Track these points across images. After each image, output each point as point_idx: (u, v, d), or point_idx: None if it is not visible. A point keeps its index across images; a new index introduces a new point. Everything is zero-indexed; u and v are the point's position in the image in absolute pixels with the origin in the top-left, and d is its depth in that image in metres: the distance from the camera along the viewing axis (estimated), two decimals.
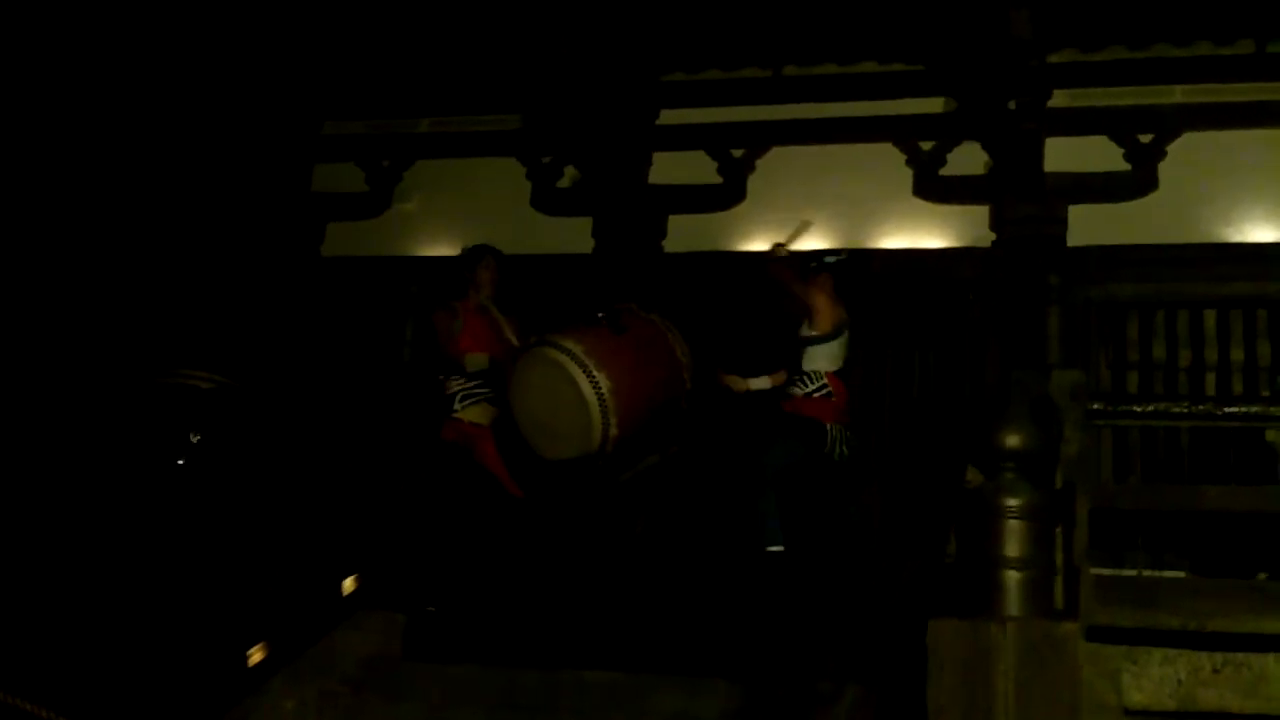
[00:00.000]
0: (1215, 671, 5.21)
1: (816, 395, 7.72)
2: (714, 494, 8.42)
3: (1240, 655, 5.24)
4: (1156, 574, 6.79)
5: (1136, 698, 5.18)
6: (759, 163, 9.91)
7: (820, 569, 6.98)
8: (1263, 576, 6.74)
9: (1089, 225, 9.24)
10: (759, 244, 9.66)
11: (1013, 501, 3.57)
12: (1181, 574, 7.29)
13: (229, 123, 9.85)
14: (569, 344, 7.09)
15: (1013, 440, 3.64)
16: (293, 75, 9.96)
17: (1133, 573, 6.50)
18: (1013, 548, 3.52)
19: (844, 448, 7.67)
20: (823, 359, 7.77)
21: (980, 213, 9.45)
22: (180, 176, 9.78)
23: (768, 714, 5.50)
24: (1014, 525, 3.53)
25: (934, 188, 9.61)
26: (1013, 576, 3.49)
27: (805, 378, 7.76)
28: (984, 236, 9.42)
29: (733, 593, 6.92)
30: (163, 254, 9.62)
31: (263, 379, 8.60)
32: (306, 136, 10.48)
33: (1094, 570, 5.59)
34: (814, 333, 7.77)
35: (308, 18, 9.37)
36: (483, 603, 6.95)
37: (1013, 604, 3.45)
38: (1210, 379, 8.70)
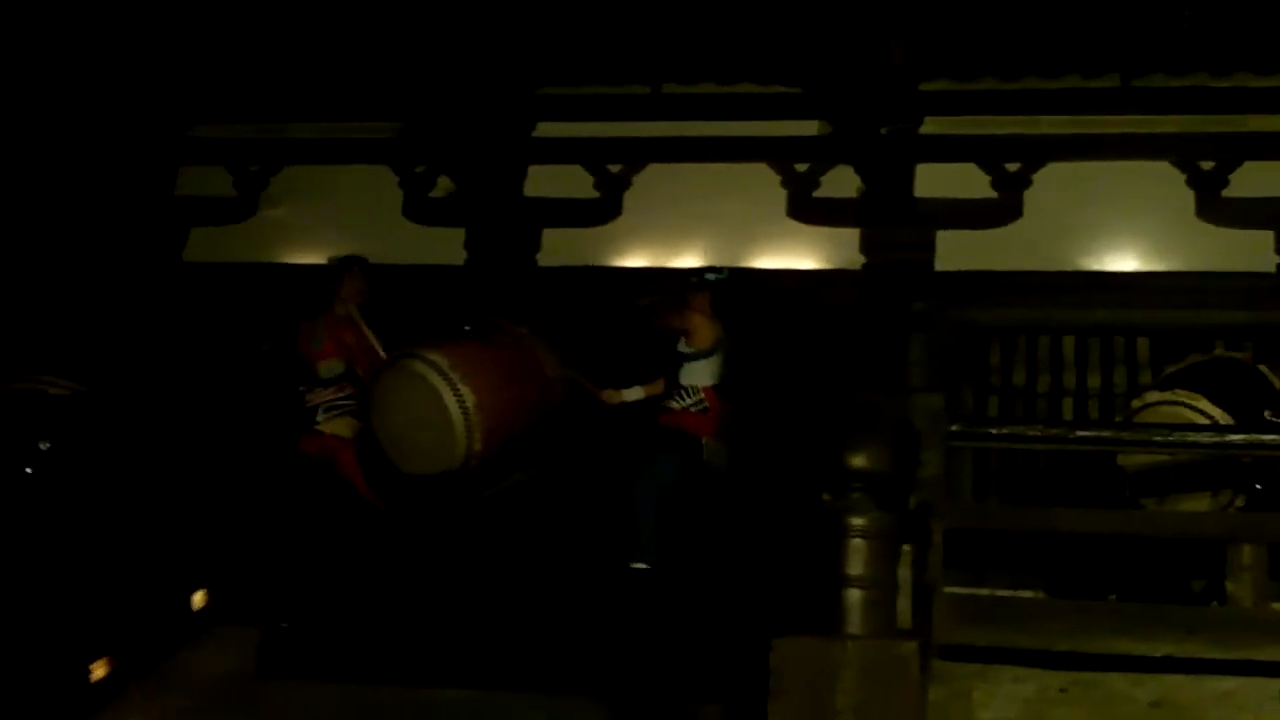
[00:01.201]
0: (1063, 691, 5.30)
1: (693, 410, 7.74)
2: (584, 508, 8.37)
3: (1088, 675, 5.34)
4: (1013, 594, 6.87)
5: (985, 716, 5.25)
6: (636, 179, 9.92)
7: (686, 585, 6.96)
8: (1113, 598, 6.88)
9: (956, 250, 9.39)
10: (634, 260, 9.72)
11: (858, 521, 3.58)
12: (1037, 594, 7.39)
13: (88, 122, 9.61)
14: (434, 356, 7.02)
15: (859, 460, 3.66)
16: (157, 75, 9.75)
17: (990, 593, 6.55)
18: (856, 566, 3.53)
19: (720, 462, 7.69)
20: (700, 374, 7.80)
21: (852, 235, 9.56)
22: (35, 176, 9.51)
23: None
24: (858, 544, 3.55)
25: (808, 209, 9.69)
26: (855, 595, 3.50)
27: (682, 392, 7.77)
28: (855, 259, 9.52)
29: (599, 609, 6.87)
30: (16, 255, 9.34)
31: (118, 386, 8.38)
32: (171, 138, 10.27)
33: (950, 590, 5.69)
34: (691, 349, 7.78)
35: (174, 16, 9.19)
36: (341, 619, 6.82)
37: (855, 623, 3.46)
38: (1068, 404, 8.90)
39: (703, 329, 7.78)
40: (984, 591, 6.47)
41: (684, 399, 7.75)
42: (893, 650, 3.38)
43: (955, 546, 5.92)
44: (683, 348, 7.82)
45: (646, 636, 6.21)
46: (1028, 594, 7.04)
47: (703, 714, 5.15)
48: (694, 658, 5.79)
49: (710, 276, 8.05)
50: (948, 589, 5.69)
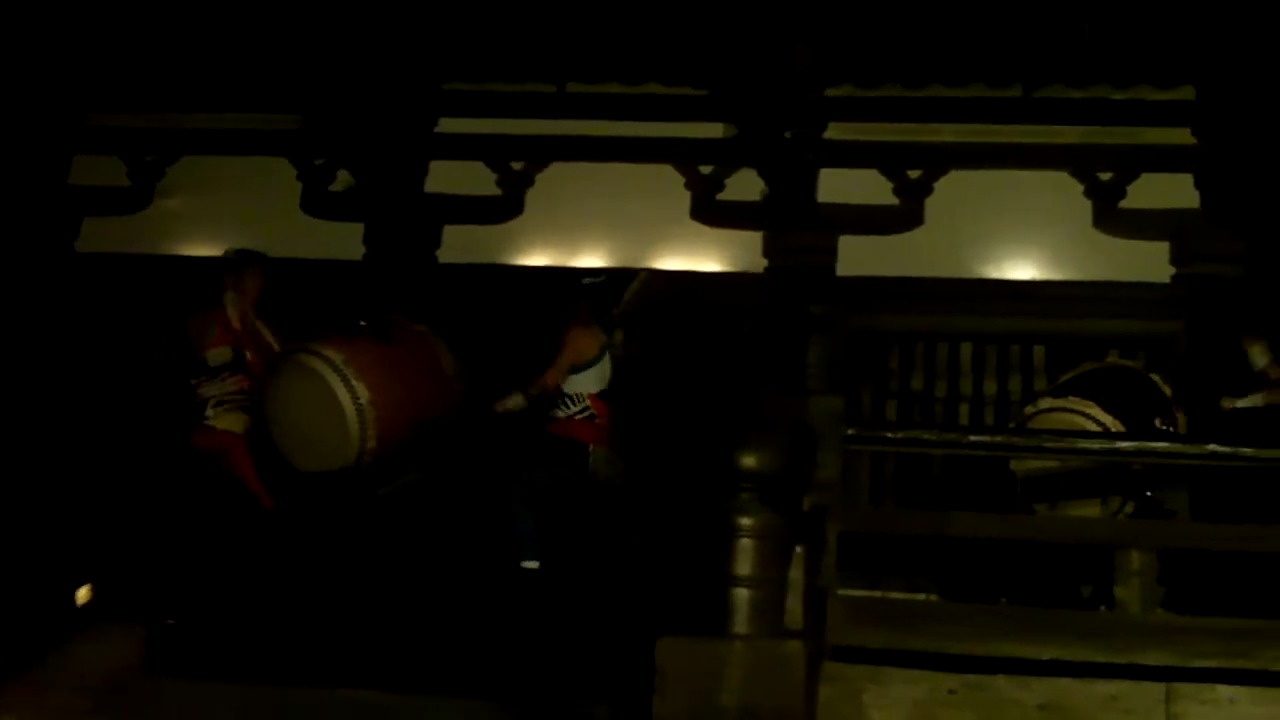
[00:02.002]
0: (952, 693, 5.34)
1: (578, 417, 7.69)
2: (479, 509, 8.29)
3: (978, 677, 5.39)
4: (907, 597, 6.91)
5: (876, 717, 5.28)
6: (539, 177, 9.83)
7: (579, 589, 6.92)
8: (1004, 602, 6.94)
9: (858, 256, 9.41)
10: (536, 259, 9.65)
11: (746, 521, 3.56)
12: (931, 598, 7.44)
13: None
14: (328, 352, 6.92)
15: (749, 461, 3.64)
16: (52, 63, 9.52)
17: (883, 595, 6.59)
18: (744, 567, 3.51)
19: (611, 471, 7.64)
20: (584, 382, 7.74)
21: (755, 238, 9.54)
22: None
23: None
24: (746, 544, 3.52)
25: (711, 212, 9.67)
26: (743, 595, 3.48)
27: (568, 400, 7.72)
28: (758, 262, 9.51)
29: (492, 611, 6.81)
30: None
31: (7, 378, 8.18)
32: (65, 126, 10.03)
33: (844, 592, 5.70)
34: (575, 361, 7.73)
35: (70, 3, 8.99)
36: (230, 617, 6.69)
37: (742, 622, 3.43)
38: (965, 410, 8.99)
39: (583, 341, 7.74)
40: (879, 594, 6.50)
41: (569, 407, 7.70)
42: (778, 650, 3.36)
43: (851, 549, 5.94)
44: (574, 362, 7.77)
45: (539, 638, 6.16)
46: (921, 597, 7.07)
47: (593, 714, 5.10)
48: (586, 659, 5.75)
49: (587, 281, 7.99)
50: (842, 591, 5.71)
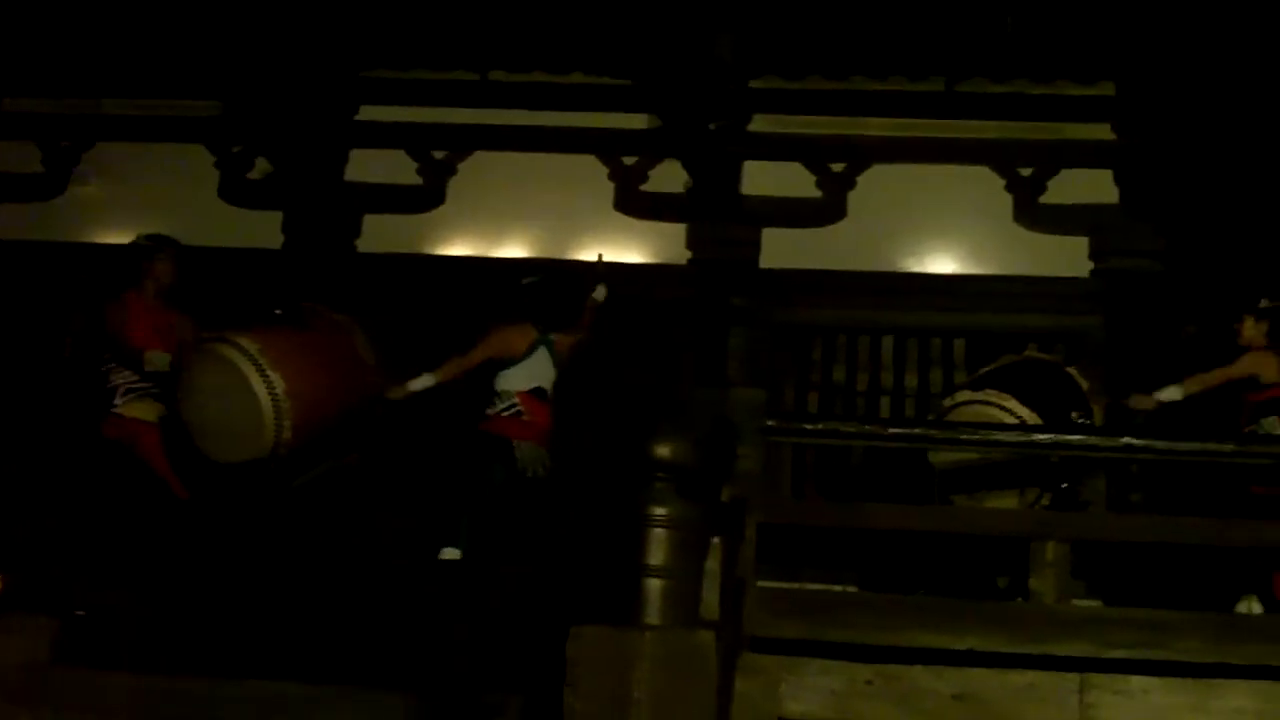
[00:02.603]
0: (869, 683, 5.32)
1: (506, 414, 7.61)
2: (399, 504, 8.21)
3: (893, 668, 5.38)
4: (826, 588, 6.90)
5: (793, 708, 5.26)
6: (461, 166, 9.78)
7: (498, 581, 6.86)
8: (922, 593, 6.96)
9: (781, 249, 9.44)
10: (458, 249, 9.58)
11: (660, 511, 3.52)
12: (850, 589, 7.45)
13: None
14: (244, 341, 6.80)
15: (663, 451, 3.60)
16: None
17: (806, 587, 6.57)
18: (657, 557, 3.47)
19: (538, 467, 7.57)
20: (514, 378, 7.66)
21: (678, 230, 9.55)
22: None
23: None
24: (660, 534, 3.48)
25: (635, 203, 9.66)
26: (655, 585, 3.44)
27: (497, 397, 7.64)
28: (681, 254, 9.51)
29: (410, 602, 6.73)
30: None
31: None
32: None
33: (763, 583, 5.69)
34: (504, 358, 7.66)
35: None
36: (142, 609, 6.57)
37: (654, 613, 3.40)
38: (886, 402, 9.02)
39: (512, 338, 7.66)
40: (799, 586, 6.49)
41: (496, 404, 7.62)
42: (690, 640, 3.33)
43: (772, 540, 5.93)
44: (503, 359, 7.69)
45: (457, 630, 6.10)
46: (839, 588, 7.08)
47: (508, 705, 5.06)
48: (505, 651, 5.70)
49: (525, 281, 7.91)
50: (761, 582, 5.69)
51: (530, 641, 5.15)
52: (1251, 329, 7.20)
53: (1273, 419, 7.11)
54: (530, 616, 5.77)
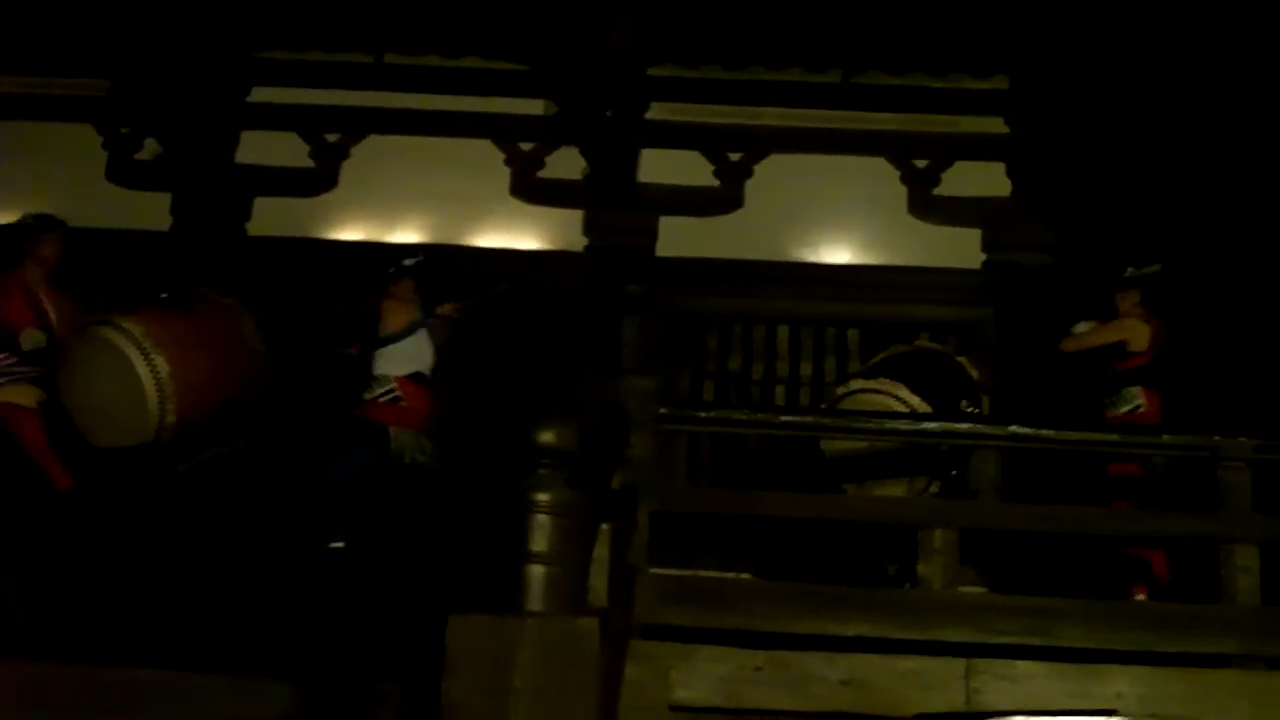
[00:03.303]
0: (759, 670, 5.35)
1: (383, 400, 7.51)
2: (282, 491, 8.07)
3: (784, 654, 5.41)
4: (719, 576, 6.90)
5: (683, 695, 5.28)
6: (354, 150, 9.65)
7: (378, 569, 6.77)
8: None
9: (678, 237, 9.43)
10: (350, 234, 9.45)
11: (543, 498, 3.48)
12: (743, 577, 7.46)
13: None
14: (128, 324, 6.66)
15: (547, 438, 3.56)
16: None
17: (693, 574, 6.55)
18: (540, 543, 3.43)
19: (417, 454, 7.48)
20: (391, 363, 7.56)
21: (575, 217, 9.49)
22: None
23: (323, 714, 5.29)
24: (543, 521, 3.44)
25: (531, 189, 9.60)
26: (538, 572, 3.40)
27: (374, 381, 7.54)
28: (578, 241, 9.45)
29: (292, 590, 6.63)
30: None
31: None
32: None
33: (655, 571, 5.68)
34: (382, 335, 7.57)
35: None
36: (20, 595, 6.40)
37: (536, 600, 3.35)
38: (781, 391, 9.05)
39: (393, 314, 7.57)
40: (694, 573, 6.48)
41: (374, 388, 7.52)
42: (572, 627, 3.28)
43: (667, 529, 5.92)
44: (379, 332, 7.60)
45: (339, 618, 6.02)
46: (731, 576, 7.07)
47: (391, 694, 5.00)
48: (391, 639, 5.63)
49: (408, 263, 7.81)
50: (654, 570, 5.68)
51: (417, 630, 5.09)
52: (1124, 299, 7.32)
53: (1134, 389, 7.24)
54: (417, 604, 5.70)
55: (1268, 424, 6.17)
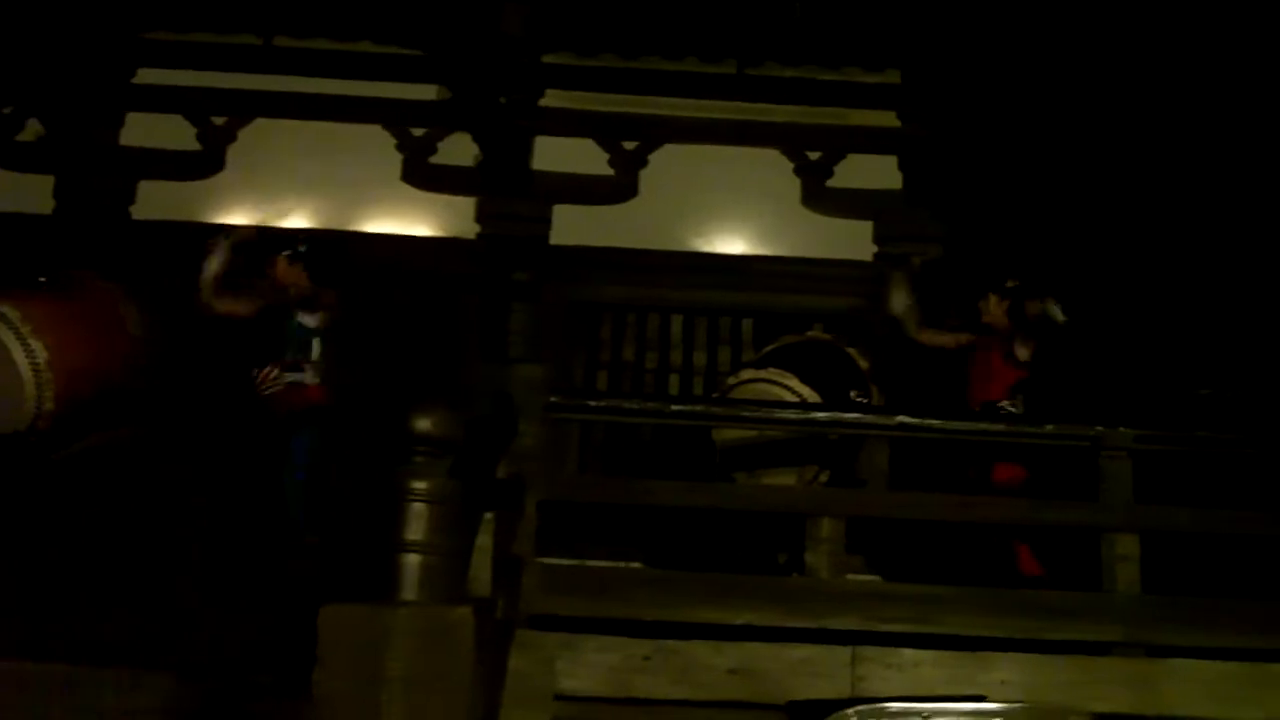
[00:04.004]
0: (646, 659, 5.36)
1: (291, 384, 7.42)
2: (173, 480, 7.92)
3: (672, 643, 5.42)
4: (609, 565, 6.88)
5: (569, 684, 5.26)
6: (242, 133, 9.47)
7: (263, 560, 6.67)
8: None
9: (573, 226, 9.39)
10: (237, 218, 9.26)
11: (420, 485, 3.43)
12: (634, 566, 7.45)
13: None
14: (4, 309, 6.47)
15: (424, 425, 3.50)
16: None
17: (580, 563, 6.54)
18: (416, 532, 3.38)
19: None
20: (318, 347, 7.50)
21: (468, 204, 9.41)
22: None
23: (201, 706, 5.20)
24: (419, 509, 3.39)
25: (423, 175, 9.49)
26: (413, 561, 3.35)
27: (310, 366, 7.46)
28: (471, 229, 9.37)
29: (174, 580, 6.50)
30: None
31: None
32: None
33: (543, 560, 5.65)
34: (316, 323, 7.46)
35: None
36: None
37: (412, 589, 3.30)
38: (675, 381, 9.06)
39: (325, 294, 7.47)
40: (582, 562, 6.46)
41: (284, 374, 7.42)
42: (446, 617, 3.24)
43: (559, 519, 5.90)
44: (307, 320, 7.46)
45: (216, 607, 5.92)
46: (621, 565, 7.06)
47: (265, 684, 4.93)
48: (271, 629, 5.54)
49: (299, 250, 7.68)
50: (541, 559, 5.65)
51: (295, 620, 5.02)
52: (995, 307, 7.35)
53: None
54: (298, 595, 5.62)
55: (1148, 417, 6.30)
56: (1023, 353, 7.10)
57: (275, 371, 7.36)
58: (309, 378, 7.42)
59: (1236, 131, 8.79)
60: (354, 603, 3.24)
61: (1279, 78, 8.61)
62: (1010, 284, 7.31)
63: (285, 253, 7.53)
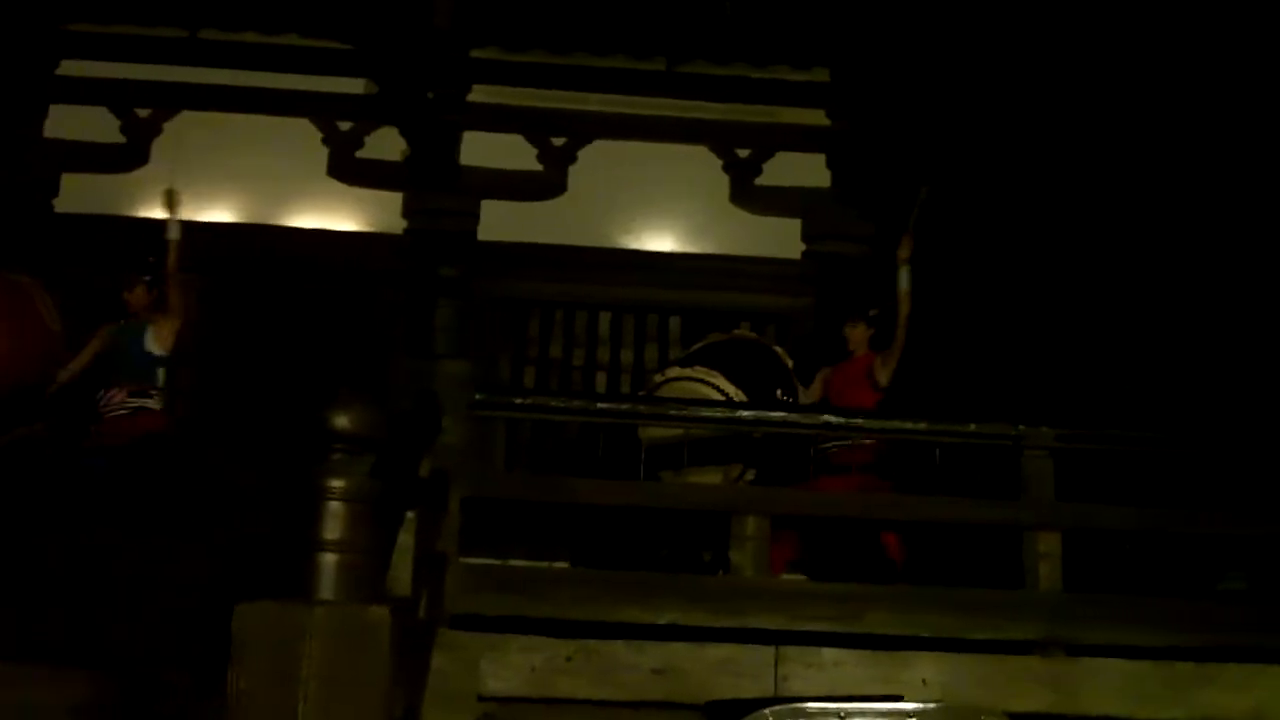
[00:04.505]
0: (569, 659, 5.33)
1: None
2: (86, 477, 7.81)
3: (595, 643, 5.40)
4: (535, 564, 6.85)
5: (493, 685, 5.23)
6: (166, 125, 9.38)
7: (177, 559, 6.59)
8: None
9: (501, 222, 9.36)
10: (161, 211, 9.10)
11: (337, 483, 3.39)
12: (559, 565, 7.42)
13: None
14: None
15: (341, 421, 3.46)
16: None
17: (503, 563, 6.50)
18: (333, 530, 3.34)
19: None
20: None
21: (395, 199, 9.36)
22: None
23: (122, 704, 5.13)
24: (336, 507, 3.35)
25: (350, 170, 9.44)
26: (330, 560, 3.31)
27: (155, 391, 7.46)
28: (397, 224, 9.31)
29: (88, 575, 6.40)
30: None
31: None
32: None
33: (467, 560, 5.61)
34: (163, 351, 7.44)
35: None
36: None
37: (329, 588, 3.27)
38: (602, 378, 9.05)
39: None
40: (506, 562, 6.42)
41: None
42: (363, 616, 3.21)
43: (485, 517, 5.86)
44: (154, 347, 7.40)
45: (141, 607, 5.84)
46: (546, 564, 7.02)
47: (178, 683, 4.87)
48: (178, 628, 5.48)
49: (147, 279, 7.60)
50: (465, 558, 5.62)
51: (210, 619, 4.97)
52: (860, 334, 7.46)
53: None
54: (212, 594, 5.56)
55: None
56: (882, 377, 7.27)
57: (122, 395, 7.29)
58: (154, 404, 7.36)
59: (1162, 124, 8.90)
60: (267, 600, 3.21)
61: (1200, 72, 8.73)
62: (872, 312, 7.43)
63: (145, 278, 7.47)
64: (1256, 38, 8.48)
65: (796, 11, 9.17)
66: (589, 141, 9.57)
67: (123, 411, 7.24)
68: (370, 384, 4.49)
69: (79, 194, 9.18)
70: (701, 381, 6.77)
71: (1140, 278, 8.87)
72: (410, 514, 4.34)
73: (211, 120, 9.34)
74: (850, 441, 6.94)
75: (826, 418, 6.22)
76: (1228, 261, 8.77)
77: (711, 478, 6.63)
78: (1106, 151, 8.90)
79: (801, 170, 9.58)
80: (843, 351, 7.52)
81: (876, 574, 6.40)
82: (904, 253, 7.35)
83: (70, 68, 9.40)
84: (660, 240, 9.49)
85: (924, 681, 5.48)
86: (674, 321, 9.33)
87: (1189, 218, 8.78)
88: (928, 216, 7.65)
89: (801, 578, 6.69)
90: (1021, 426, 6.02)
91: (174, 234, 7.53)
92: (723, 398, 6.67)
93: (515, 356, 9.20)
